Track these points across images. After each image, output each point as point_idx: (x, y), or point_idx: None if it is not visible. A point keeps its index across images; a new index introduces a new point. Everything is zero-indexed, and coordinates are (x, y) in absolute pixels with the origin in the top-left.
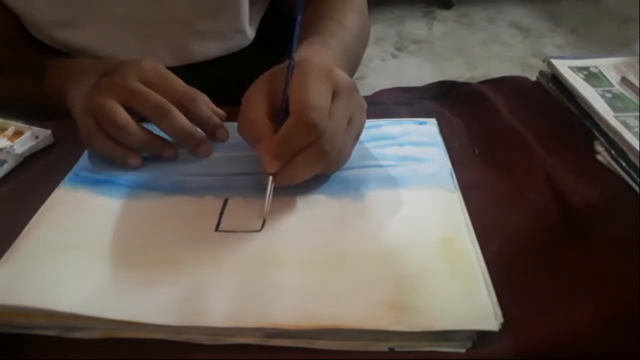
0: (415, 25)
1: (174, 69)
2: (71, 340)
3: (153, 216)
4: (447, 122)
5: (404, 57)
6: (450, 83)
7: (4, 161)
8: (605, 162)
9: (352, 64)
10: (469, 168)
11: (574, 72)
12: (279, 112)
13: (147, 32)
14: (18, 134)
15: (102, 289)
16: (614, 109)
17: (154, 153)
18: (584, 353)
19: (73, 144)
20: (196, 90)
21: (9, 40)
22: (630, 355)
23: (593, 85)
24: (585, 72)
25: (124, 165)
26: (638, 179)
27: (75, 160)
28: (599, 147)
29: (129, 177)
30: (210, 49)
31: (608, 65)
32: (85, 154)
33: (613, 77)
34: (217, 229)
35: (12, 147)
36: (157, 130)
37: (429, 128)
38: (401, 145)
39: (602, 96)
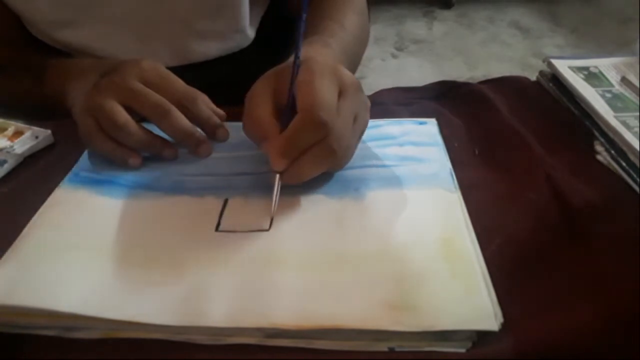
0: (415, 25)
1: (174, 69)
2: (71, 340)
3: (153, 216)
4: (447, 122)
5: (404, 57)
6: (450, 83)
7: (4, 161)
8: (605, 162)
9: (352, 64)
10: (469, 168)
11: (574, 72)
12: (284, 111)
13: (147, 32)
14: (18, 134)
15: (102, 289)
16: (614, 109)
17: (154, 153)
18: (584, 353)
19: (73, 144)
20: (196, 90)
21: (9, 40)
22: (630, 355)
23: (593, 85)
24: (585, 72)
25: (124, 165)
26: (638, 179)
27: (75, 160)
28: (599, 147)
29: (129, 177)
30: (210, 49)
31: (608, 65)
32: (85, 154)
33: (613, 77)
34: (217, 229)
35: (12, 147)
36: (157, 130)
37: (429, 128)
38: (401, 145)
39: (602, 96)
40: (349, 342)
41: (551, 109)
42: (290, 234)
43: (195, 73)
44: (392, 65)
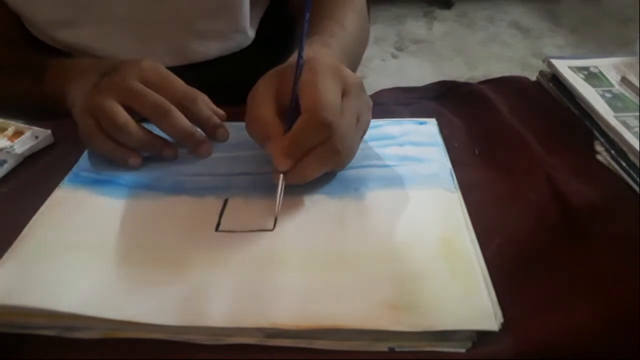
0: (415, 25)
1: (174, 69)
2: (71, 340)
3: (153, 216)
4: (447, 122)
5: (404, 57)
6: (450, 83)
7: (4, 161)
8: (605, 162)
9: (352, 64)
10: (469, 168)
11: (574, 72)
12: (288, 111)
13: (147, 32)
14: (18, 134)
15: (102, 289)
16: (614, 109)
17: (154, 153)
18: (584, 353)
19: (73, 144)
20: (196, 90)
21: (9, 40)
22: (630, 355)
23: (593, 85)
24: (585, 72)
25: (124, 165)
26: (638, 179)
27: (75, 160)
28: (599, 147)
29: (129, 177)
30: (210, 49)
31: (608, 65)
32: (85, 154)
33: (613, 77)
34: (217, 229)
35: (12, 147)
36: (157, 130)
37: (429, 128)
38: (401, 145)
39: (602, 96)
40: (349, 342)
41: (551, 109)
42: (290, 234)
43: (195, 73)
44: (392, 65)
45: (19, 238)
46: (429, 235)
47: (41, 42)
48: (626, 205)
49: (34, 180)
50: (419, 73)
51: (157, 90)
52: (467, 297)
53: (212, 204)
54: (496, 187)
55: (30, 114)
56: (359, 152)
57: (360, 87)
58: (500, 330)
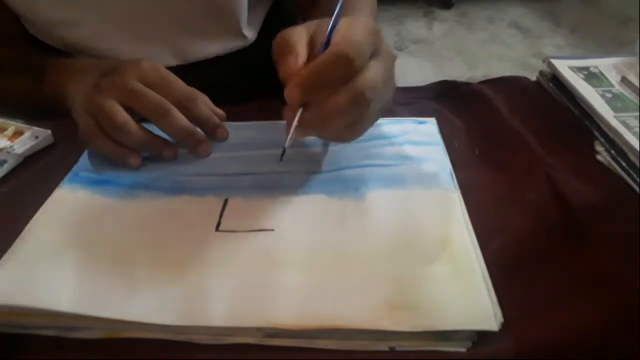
0: (415, 25)
1: (174, 69)
2: (71, 340)
3: (153, 216)
4: (447, 122)
5: (404, 57)
6: (450, 83)
7: (4, 161)
8: (605, 162)
9: None
10: (469, 168)
11: (574, 72)
12: (317, 53)
13: (146, 32)
14: (18, 134)
15: (102, 289)
16: (614, 109)
17: (154, 153)
18: (584, 353)
19: (73, 144)
20: (196, 90)
21: (9, 39)
22: (630, 355)
23: (593, 85)
24: (585, 72)
25: (124, 165)
26: (638, 179)
27: (75, 160)
28: (599, 147)
29: (129, 177)
30: (209, 49)
31: (608, 65)
32: (85, 154)
33: (613, 77)
34: (217, 229)
35: (12, 147)
36: (157, 130)
37: (429, 127)
38: (401, 144)
39: (602, 96)
40: (349, 342)
41: (551, 109)
42: (290, 233)
43: (194, 73)
44: None
45: (19, 238)
46: (429, 235)
47: (41, 41)
48: (626, 205)
49: (34, 180)
50: (419, 73)
51: (157, 90)
52: (467, 297)
53: (212, 203)
54: (496, 187)
55: (30, 114)
56: (358, 152)
57: (392, 57)
58: (500, 330)
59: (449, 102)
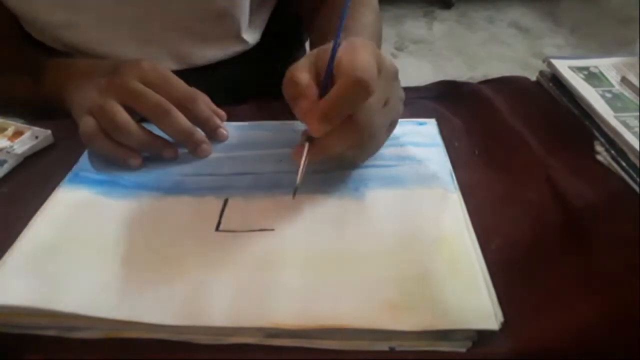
0: (415, 25)
1: (175, 73)
2: (71, 340)
3: (153, 216)
4: (447, 122)
5: (404, 57)
6: (450, 83)
7: (4, 161)
8: (605, 162)
9: None
10: (469, 168)
11: (574, 72)
12: (322, 81)
13: (147, 35)
14: (18, 134)
15: (103, 289)
16: (614, 109)
17: (154, 153)
18: (584, 353)
19: (73, 144)
20: (196, 90)
21: (8, 39)
22: (631, 355)
23: (593, 85)
24: (585, 72)
25: (124, 165)
26: (638, 179)
27: (75, 160)
28: (599, 147)
29: (129, 177)
30: (210, 53)
31: (608, 65)
32: (85, 154)
33: (613, 77)
34: (217, 229)
35: (12, 147)
36: (157, 130)
37: (429, 128)
38: (401, 145)
39: (602, 96)
40: (349, 342)
41: (551, 109)
42: (290, 233)
43: (196, 77)
44: None
45: (19, 238)
46: (429, 235)
47: (40, 42)
48: (626, 205)
49: (34, 180)
50: (419, 73)
51: (157, 91)
52: (467, 296)
53: (212, 203)
54: (496, 187)
55: (30, 114)
56: None
57: (394, 73)
58: (500, 330)
59: (448, 102)
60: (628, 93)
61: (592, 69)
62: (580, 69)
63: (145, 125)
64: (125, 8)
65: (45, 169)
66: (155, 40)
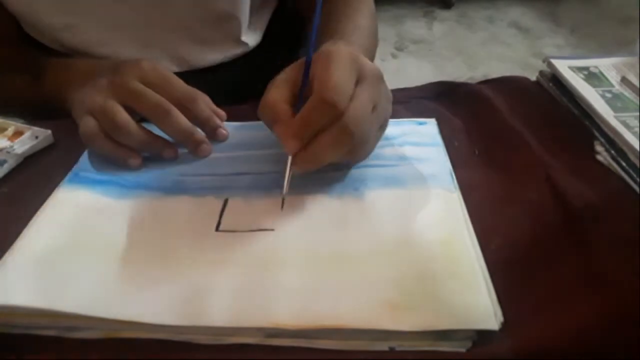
0: (415, 25)
1: (177, 75)
2: (71, 340)
3: (153, 216)
4: (447, 122)
5: (404, 57)
6: (449, 83)
7: (4, 161)
8: (605, 162)
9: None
10: (469, 168)
11: (574, 72)
12: (298, 97)
13: (148, 38)
14: (18, 134)
15: (103, 289)
16: (614, 109)
17: (154, 153)
18: (584, 353)
19: (73, 144)
20: (196, 90)
21: (8, 39)
22: (631, 355)
23: (593, 85)
24: (585, 72)
25: (124, 166)
26: (638, 179)
27: (75, 160)
28: (599, 147)
29: (129, 177)
30: (211, 56)
31: (608, 65)
32: (85, 154)
33: (613, 77)
34: (217, 229)
35: (12, 147)
36: (157, 130)
37: (429, 128)
38: (401, 145)
39: (602, 96)
40: (349, 342)
41: (551, 109)
42: (290, 233)
43: (197, 79)
44: (392, 65)
45: (19, 238)
46: (429, 235)
47: (40, 42)
48: (626, 205)
49: (34, 180)
50: (419, 73)
51: (157, 91)
52: (467, 297)
53: (212, 203)
54: (496, 187)
55: (30, 114)
56: None
57: (378, 77)
58: (500, 330)
59: (448, 102)
60: (628, 93)
61: (592, 69)
62: (580, 69)
63: (145, 125)
64: (126, 11)
65: (45, 169)
66: (155, 43)
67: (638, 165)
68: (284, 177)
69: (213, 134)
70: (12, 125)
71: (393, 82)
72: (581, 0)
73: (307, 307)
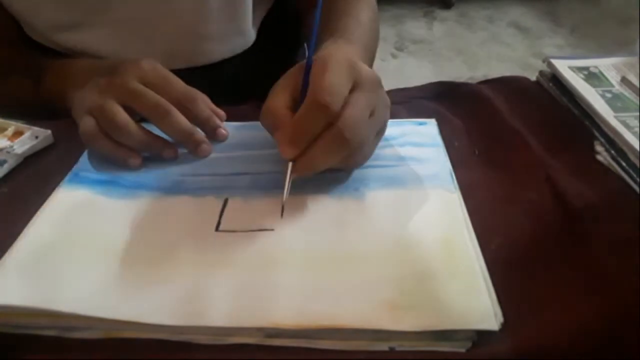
0: (415, 25)
1: (178, 72)
2: (71, 340)
3: (153, 216)
4: (447, 122)
5: (404, 57)
6: (449, 83)
7: (4, 161)
8: (605, 162)
9: (371, 60)
10: (469, 168)
11: (574, 72)
12: (299, 103)
13: (150, 35)
14: (18, 134)
15: (102, 289)
16: (614, 109)
17: (154, 153)
18: (584, 353)
19: (73, 144)
20: (196, 90)
21: (9, 40)
22: (630, 355)
23: (593, 85)
24: (585, 72)
25: (124, 166)
26: (638, 179)
27: (75, 160)
28: (599, 147)
29: (129, 177)
30: (213, 51)
31: (608, 65)
32: (85, 154)
33: (613, 77)
34: (217, 229)
35: (12, 147)
36: (157, 130)
37: (429, 128)
38: (401, 145)
39: (602, 96)
40: (349, 342)
41: (551, 109)
42: (290, 233)
43: (198, 75)
44: (392, 65)
45: (19, 238)
46: (429, 235)
47: (39, 43)
48: (626, 205)
49: (34, 180)
50: (419, 73)
51: (157, 91)
52: (467, 297)
53: (212, 203)
54: (496, 187)
55: (30, 114)
56: None
57: (376, 83)
58: (500, 330)
59: (448, 102)
60: (628, 93)
61: (592, 69)
62: (580, 69)
63: (145, 125)
64: (129, 7)
65: (45, 169)
66: (159, 39)
67: (638, 165)
68: (283, 184)
69: (213, 134)
70: (12, 125)
71: (393, 82)
72: (581, 0)
73: (307, 307)
